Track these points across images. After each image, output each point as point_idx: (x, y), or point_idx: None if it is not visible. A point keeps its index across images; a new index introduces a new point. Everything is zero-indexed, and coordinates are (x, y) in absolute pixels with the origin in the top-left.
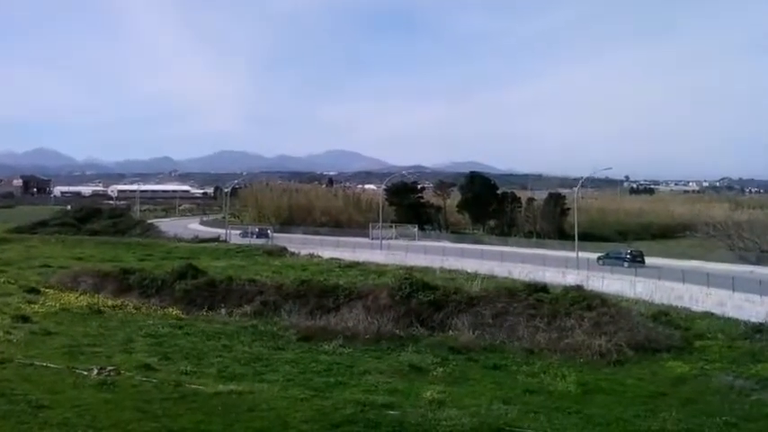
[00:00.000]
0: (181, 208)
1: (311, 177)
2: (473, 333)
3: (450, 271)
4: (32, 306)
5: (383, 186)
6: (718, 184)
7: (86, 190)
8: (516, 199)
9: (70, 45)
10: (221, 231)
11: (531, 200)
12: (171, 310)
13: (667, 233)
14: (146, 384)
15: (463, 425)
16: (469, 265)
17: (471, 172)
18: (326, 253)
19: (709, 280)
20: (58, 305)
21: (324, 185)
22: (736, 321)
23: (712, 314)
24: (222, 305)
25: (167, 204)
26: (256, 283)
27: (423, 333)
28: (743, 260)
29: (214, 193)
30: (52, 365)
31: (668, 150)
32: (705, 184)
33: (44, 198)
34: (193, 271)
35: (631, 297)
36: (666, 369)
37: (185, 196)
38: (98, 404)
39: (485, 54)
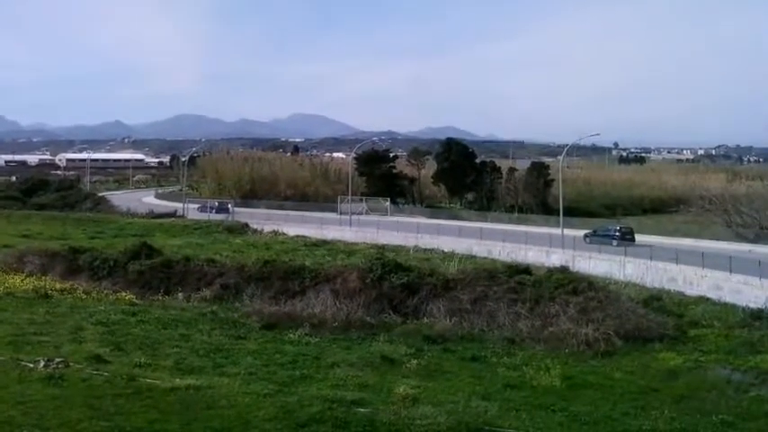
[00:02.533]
0: (135, 179)
1: (275, 144)
2: (450, 320)
3: (425, 250)
4: None
5: (352, 155)
6: (713, 151)
7: (32, 159)
8: (496, 169)
9: None
10: (178, 206)
11: (512, 170)
12: (124, 294)
13: (659, 207)
14: (96, 378)
15: (439, 424)
16: (446, 244)
17: (447, 139)
18: (292, 230)
19: (704, 260)
20: (1, 289)
21: (289, 154)
22: (733, 307)
23: (708, 299)
24: (179, 289)
25: (120, 175)
26: (216, 263)
27: (395, 320)
28: (740, 238)
29: (170, 162)
30: None
31: (660, 114)
32: (700, 151)
33: None
34: (148, 250)
35: (621, 279)
36: (658, 361)
37: (139, 166)
38: (45, 401)
39: (460, 7)
